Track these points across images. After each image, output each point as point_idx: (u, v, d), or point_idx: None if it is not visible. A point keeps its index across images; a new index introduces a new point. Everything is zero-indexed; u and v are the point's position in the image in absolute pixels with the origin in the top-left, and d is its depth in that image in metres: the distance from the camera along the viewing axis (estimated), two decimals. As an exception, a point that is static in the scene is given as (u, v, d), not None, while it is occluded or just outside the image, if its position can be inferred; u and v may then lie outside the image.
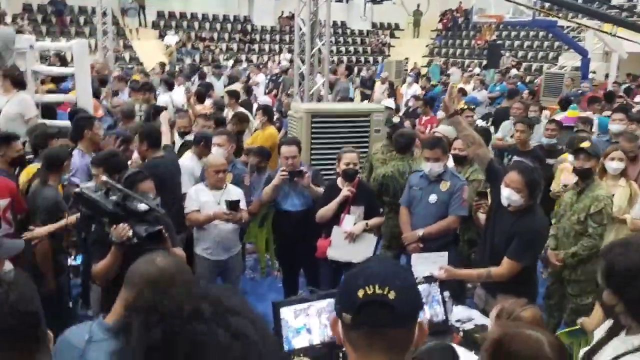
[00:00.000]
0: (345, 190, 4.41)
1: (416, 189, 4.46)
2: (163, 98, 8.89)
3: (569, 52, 17.20)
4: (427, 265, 3.70)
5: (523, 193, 3.44)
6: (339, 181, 4.54)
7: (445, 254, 3.85)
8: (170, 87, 9.48)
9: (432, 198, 4.36)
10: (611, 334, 2.12)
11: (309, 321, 3.00)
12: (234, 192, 4.54)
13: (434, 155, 4.34)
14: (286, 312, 2.97)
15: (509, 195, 3.47)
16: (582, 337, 3.07)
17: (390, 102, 8.95)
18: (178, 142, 5.88)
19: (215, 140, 5.10)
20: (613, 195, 4.34)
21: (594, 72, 16.06)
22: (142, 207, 3.14)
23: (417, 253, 4.04)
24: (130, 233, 3.05)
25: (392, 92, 13.87)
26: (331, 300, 2.91)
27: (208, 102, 8.89)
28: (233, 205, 4.34)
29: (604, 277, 2.00)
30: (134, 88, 8.90)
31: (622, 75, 16.97)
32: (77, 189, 3.28)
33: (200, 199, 4.45)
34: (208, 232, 4.47)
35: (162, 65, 14.68)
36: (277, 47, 24.62)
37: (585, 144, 4.35)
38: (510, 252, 3.48)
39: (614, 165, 4.57)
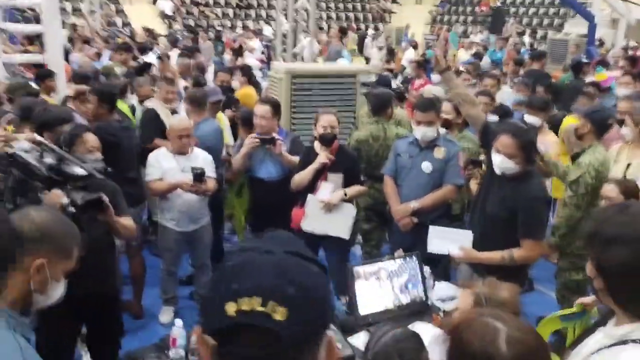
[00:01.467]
0: (322, 157, 3.99)
1: (405, 156, 4.01)
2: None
3: (575, 19, 16.57)
4: (446, 242, 3.34)
5: (518, 159, 3.07)
6: (317, 145, 4.12)
7: (470, 232, 3.37)
8: (142, 52, 9.04)
9: (426, 166, 3.92)
10: (597, 324, 1.76)
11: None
12: (201, 159, 4.15)
13: (426, 119, 3.90)
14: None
15: (501, 162, 3.11)
16: (577, 321, 2.72)
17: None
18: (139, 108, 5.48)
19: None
20: (629, 165, 3.91)
21: (600, 40, 15.43)
22: (80, 171, 2.79)
23: (435, 226, 3.51)
24: (65, 200, 2.68)
25: (392, 58, 13.41)
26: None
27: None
28: (198, 176, 3.96)
29: (586, 241, 1.62)
30: (114, 49, 8.49)
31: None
32: (10, 150, 2.90)
33: (162, 166, 4.06)
34: (172, 201, 4.10)
35: (147, 30, 14.25)
36: (273, 12, 23.94)
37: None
38: (522, 233, 3.14)
39: (623, 131, 4.20)
